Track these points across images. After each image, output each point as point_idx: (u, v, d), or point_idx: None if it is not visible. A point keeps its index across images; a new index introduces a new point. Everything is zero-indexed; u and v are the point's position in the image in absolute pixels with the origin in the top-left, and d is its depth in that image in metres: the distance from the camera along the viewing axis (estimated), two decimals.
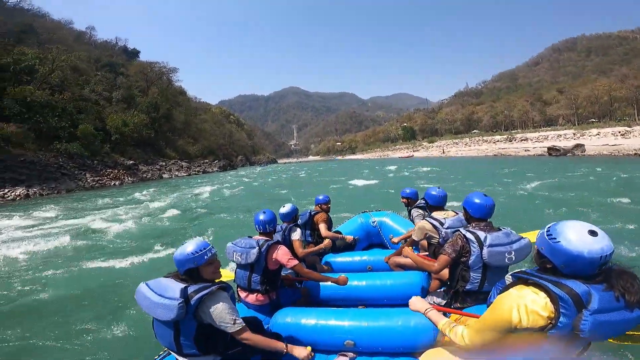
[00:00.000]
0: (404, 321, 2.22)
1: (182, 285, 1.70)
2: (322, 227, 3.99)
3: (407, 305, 2.04)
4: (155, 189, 23.85)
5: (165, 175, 39.89)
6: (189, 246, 1.79)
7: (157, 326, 1.78)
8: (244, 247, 2.61)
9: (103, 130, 41.13)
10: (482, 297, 2.09)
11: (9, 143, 27.34)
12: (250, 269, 2.62)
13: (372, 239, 4.81)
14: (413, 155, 70.85)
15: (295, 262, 2.61)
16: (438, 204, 3.16)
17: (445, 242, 2.27)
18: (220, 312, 1.71)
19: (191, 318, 1.69)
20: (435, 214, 2.97)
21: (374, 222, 4.76)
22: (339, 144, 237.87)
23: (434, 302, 2.39)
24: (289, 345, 1.90)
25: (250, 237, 2.74)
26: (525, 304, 1.23)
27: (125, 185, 30.05)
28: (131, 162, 39.55)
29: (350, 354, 2.31)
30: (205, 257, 1.79)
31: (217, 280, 1.87)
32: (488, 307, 1.41)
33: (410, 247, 2.93)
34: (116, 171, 33.37)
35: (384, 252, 3.94)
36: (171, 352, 1.83)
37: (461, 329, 1.42)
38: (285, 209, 3.56)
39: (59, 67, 37.93)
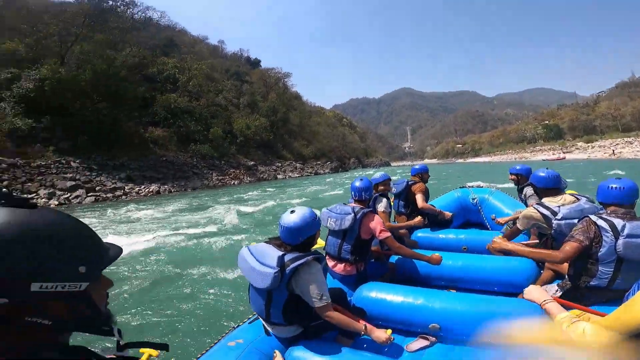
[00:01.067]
0: (502, 310, 1.94)
1: (280, 253, 1.73)
2: (419, 198, 3.65)
3: (508, 294, 2.26)
4: (270, 188, 23.83)
5: (279, 176, 41.01)
6: (304, 212, 1.81)
7: (251, 292, 1.86)
8: (339, 213, 2.56)
9: (230, 133, 45.18)
10: (611, 295, 1.82)
11: (157, 145, 31.77)
12: (343, 236, 2.57)
13: (470, 217, 4.46)
14: (565, 157, 55.92)
15: (388, 233, 2.52)
16: (548, 185, 2.55)
17: (558, 235, 2.10)
18: (311, 285, 1.71)
19: (284, 288, 1.72)
20: (546, 200, 2.46)
21: (474, 198, 4.39)
22: (460, 145, 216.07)
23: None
24: (368, 326, 1.84)
25: (345, 204, 2.71)
26: None
27: (243, 184, 31.45)
28: (252, 163, 41.97)
29: (432, 338, 2.16)
30: (319, 224, 1.85)
31: (312, 249, 1.86)
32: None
33: (510, 238, 2.53)
34: (237, 171, 35.49)
35: (483, 233, 3.71)
36: (260, 318, 1.91)
37: (584, 325, 1.19)
38: (376, 176, 3.40)
39: (194, 76, 43.10)
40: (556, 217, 2.30)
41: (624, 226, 1.77)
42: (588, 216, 1.94)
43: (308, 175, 47.63)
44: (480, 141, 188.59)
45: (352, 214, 2.52)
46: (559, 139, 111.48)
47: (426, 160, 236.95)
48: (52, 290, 0.57)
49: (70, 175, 19.86)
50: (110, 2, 36.18)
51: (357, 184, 2.77)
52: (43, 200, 16.22)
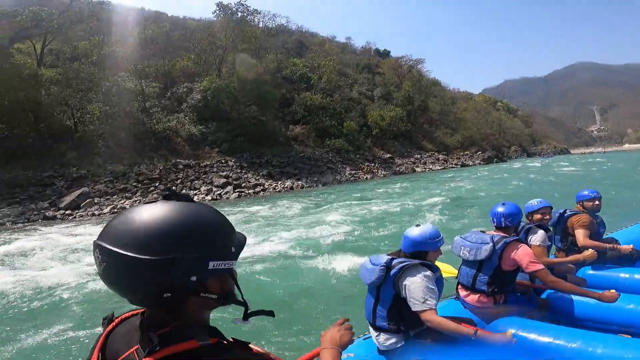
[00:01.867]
0: None
1: (390, 257, 1.88)
2: (581, 234, 2.91)
3: None
4: (399, 185, 20.89)
5: (418, 169, 36.62)
6: (427, 230, 1.90)
7: (367, 297, 1.99)
8: (474, 242, 2.37)
9: (365, 126, 44.04)
10: None
11: (297, 142, 33.50)
12: (479, 266, 2.36)
13: None
14: None
15: (540, 266, 2.20)
16: None
17: None
18: (415, 286, 1.71)
19: (391, 286, 1.81)
20: None
21: None
22: None
23: None
24: (480, 331, 1.72)
25: (483, 231, 2.50)
26: None
27: (376, 179, 29.11)
28: (388, 155, 39.51)
29: None
30: (439, 244, 1.90)
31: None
32: None
33: None
34: (371, 165, 33.66)
35: None
36: (369, 325, 1.97)
37: None
38: (533, 203, 2.90)
39: (324, 73, 43.70)
40: None
41: None
42: None
43: (453, 167, 41.14)
44: None
45: (491, 244, 2.28)
46: None
47: (626, 146, 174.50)
48: (220, 267, 0.68)
49: (225, 173, 22.56)
50: (239, 14, 39.88)
51: (500, 209, 2.44)
52: (202, 195, 18.68)
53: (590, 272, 2.96)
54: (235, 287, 0.75)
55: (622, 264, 3.00)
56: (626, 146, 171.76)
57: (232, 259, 0.71)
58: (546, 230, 2.76)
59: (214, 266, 0.67)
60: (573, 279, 2.82)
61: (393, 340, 1.85)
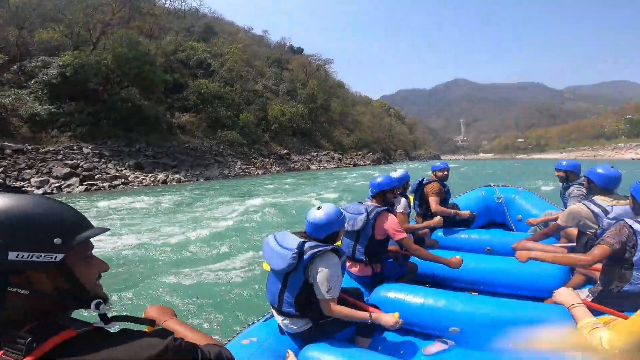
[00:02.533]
0: (529, 316, 1.88)
1: (301, 240, 1.77)
2: (432, 201, 3.55)
3: (535, 298, 2.25)
4: (291, 180, 20.93)
5: (312, 167, 37.62)
6: (331, 210, 1.84)
7: (269, 280, 1.90)
8: (352, 213, 2.51)
9: (265, 120, 42.90)
10: None
11: (183, 131, 30.21)
12: (356, 237, 2.53)
13: (494, 217, 4.32)
14: None
15: (404, 234, 2.48)
16: (607, 186, 2.41)
17: (603, 234, 1.93)
18: (324, 275, 1.71)
19: (301, 272, 1.73)
20: (598, 198, 2.36)
21: (499, 198, 4.26)
22: (521, 140, 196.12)
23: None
24: (373, 313, 1.83)
25: (361, 202, 2.68)
26: None
27: (269, 174, 28.68)
28: (285, 151, 39.26)
29: (450, 342, 2.07)
30: (344, 221, 1.89)
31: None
32: None
33: (539, 239, 2.65)
34: (266, 160, 32.85)
35: (508, 234, 3.55)
36: (273, 309, 1.90)
37: (602, 332, 1.15)
38: (397, 174, 3.30)
39: (227, 61, 40.96)
40: (608, 215, 2.22)
41: None
42: (624, 220, 1.87)
43: (346, 166, 43.70)
44: (547, 136, 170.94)
45: (365, 214, 2.47)
46: None
47: (481, 155, 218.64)
48: (28, 259, 0.61)
49: (74, 162, 18.44)
50: None
51: (378, 180, 2.70)
52: (32, 188, 14.69)
53: (440, 234, 3.62)
54: (79, 286, 0.68)
55: (462, 225, 3.70)
56: (481, 155, 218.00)
57: (54, 251, 0.64)
58: (407, 198, 3.28)
59: (18, 257, 0.60)
60: (429, 240, 3.46)
61: (301, 323, 1.83)
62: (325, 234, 1.83)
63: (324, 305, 1.75)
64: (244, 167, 28.09)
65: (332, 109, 63.60)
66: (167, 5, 52.32)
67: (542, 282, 2.46)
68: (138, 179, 18.95)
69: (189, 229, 7.38)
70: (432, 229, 3.61)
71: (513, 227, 4.08)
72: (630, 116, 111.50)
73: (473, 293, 2.60)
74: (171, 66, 36.65)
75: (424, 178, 3.83)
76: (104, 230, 0.72)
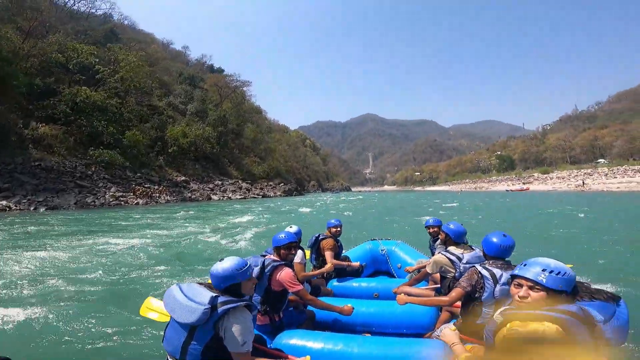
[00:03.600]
0: (414, 351, 2.16)
1: (214, 294, 1.72)
2: (328, 255, 3.92)
3: (416, 335, 2.72)
4: (178, 214, 17.11)
5: (214, 197, 33.53)
6: (232, 262, 1.82)
7: (170, 329, 1.80)
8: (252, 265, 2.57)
9: (161, 141, 37.63)
10: None
11: (40, 145, 23.66)
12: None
13: (380, 267, 4.80)
14: (528, 189, 54.43)
15: (299, 287, 2.60)
16: (459, 239, 3.05)
17: (461, 277, 2.34)
18: (237, 330, 1.70)
19: (211, 327, 1.69)
20: (451, 248, 2.91)
21: (382, 250, 4.78)
22: (418, 173, 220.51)
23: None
24: (289, 358, 1.94)
25: (264, 255, 2.80)
26: (542, 337, 1.22)
27: (152, 205, 23.87)
28: (182, 178, 34.48)
29: None
30: (248, 273, 1.87)
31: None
32: (487, 347, 1.47)
33: (413, 284, 3.32)
34: (155, 187, 27.78)
35: (391, 281, 4.02)
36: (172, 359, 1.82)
37: None
38: (292, 229, 3.45)
39: (123, 69, 35.40)
40: (462, 261, 2.68)
41: (501, 275, 2.07)
42: (474, 266, 2.26)
43: (255, 197, 40.64)
44: (437, 170, 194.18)
45: (260, 266, 2.58)
46: (511, 170, 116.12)
47: (385, 187, 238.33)
48: None
49: None
50: None
51: (280, 236, 2.81)
52: None
53: (336, 283, 4.01)
54: None
55: (353, 275, 4.16)
56: (385, 187, 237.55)
57: None
58: (303, 250, 3.57)
59: None
60: (324, 289, 3.74)
61: None
62: (224, 285, 1.80)
63: (240, 359, 1.73)
64: (119, 194, 22.95)
65: (245, 134, 60.63)
66: (60, 3, 44.51)
67: (420, 319, 2.92)
68: None
69: None
70: (327, 278, 4.03)
71: (395, 275, 4.52)
72: (499, 152, 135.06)
73: (366, 335, 2.85)
74: (43, 67, 29.52)
75: (319, 234, 4.12)
76: None
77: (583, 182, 46.06)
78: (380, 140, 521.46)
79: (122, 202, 21.95)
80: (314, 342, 2.31)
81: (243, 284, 1.85)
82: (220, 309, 1.66)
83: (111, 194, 22.06)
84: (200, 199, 31.20)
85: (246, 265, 1.85)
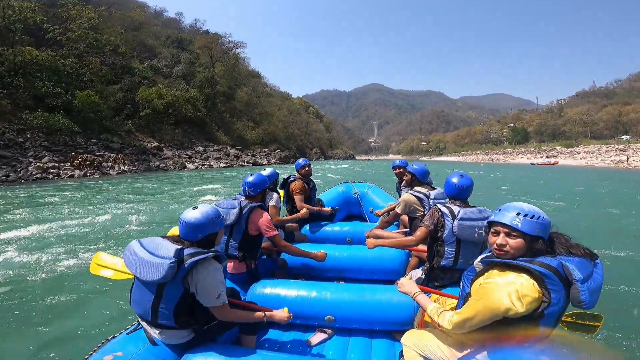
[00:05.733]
0: (385, 298, 2.19)
1: (178, 247, 1.56)
2: (297, 199, 3.77)
3: (387, 281, 2.74)
4: (113, 188, 12.64)
5: (190, 166, 28.40)
6: (207, 210, 1.68)
7: (136, 290, 1.65)
8: (225, 208, 2.46)
9: (131, 104, 32.07)
10: (457, 276, 2.12)
11: None
12: (229, 232, 2.47)
13: (352, 210, 4.78)
14: (557, 162, 48.59)
15: (275, 232, 2.51)
16: (423, 178, 3.13)
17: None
18: (209, 283, 1.58)
19: (179, 283, 1.56)
20: (417, 188, 2.98)
21: (355, 192, 4.74)
22: (424, 143, 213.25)
23: (412, 278, 2.35)
24: (267, 312, 1.84)
25: (235, 198, 2.71)
26: (516, 289, 1.20)
27: (96, 177, 18.77)
28: (154, 144, 29.28)
29: (329, 331, 2.29)
30: (224, 221, 1.77)
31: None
32: (464, 297, 1.44)
33: (383, 227, 3.23)
34: (110, 156, 22.56)
35: (364, 225, 3.98)
36: (143, 322, 1.69)
37: (449, 315, 1.42)
38: (266, 172, 3.39)
39: (83, 27, 29.29)
40: (429, 198, 2.82)
41: (459, 211, 2.11)
42: (436, 205, 2.26)
43: (243, 165, 35.57)
44: (444, 140, 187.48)
45: (238, 208, 2.45)
46: (525, 142, 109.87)
47: (390, 156, 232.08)
48: None
49: None
50: None
51: (250, 179, 2.69)
52: None
53: (308, 228, 3.88)
54: None
55: (326, 219, 4.01)
56: (390, 156, 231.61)
57: None
58: (278, 193, 3.39)
59: None
60: (298, 235, 3.65)
61: (181, 334, 1.66)
62: (201, 235, 1.65)
63: (219, 312, 1.65)
64: (51, 165, 17.83)
65: (238, 97, 54.39)
66: None
67: (392, 265, 2.92)
68: None
69: None
70: (300, 222, 3.78)
71: (367, 219, 4.53)
72: (511, 124, 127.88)
73: (340, 282, 2.87)
74: None
75: (290, 176, 3.96)
76: None
77: (628, 158, 39.96)
78: (385, 110, 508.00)
79: (52, 176, 17.01)
80: (288, 290, 2.31)
81: (219, 233, 1.74)
82: (187, 262, 1.51)
83: (38, 165, 16.97)
84: (172, 168, 26.24)
85: (220, 214, 1.73)
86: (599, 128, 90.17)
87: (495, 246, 1.34)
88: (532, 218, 1.28)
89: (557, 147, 75.26)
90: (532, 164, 49.61)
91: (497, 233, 1.35)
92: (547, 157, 58.51)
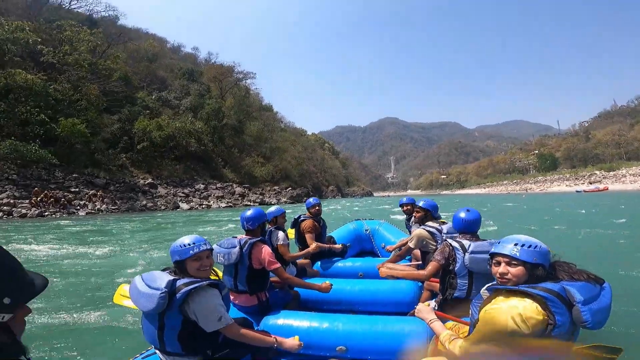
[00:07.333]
0: (397, 329, 2.23)
1: (172, 278, 1.65)
2: (308, 238, 3.88)
3: (399, 313, 2.70)
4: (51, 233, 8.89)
5: (184, 206, 24.85)
6: (184, 239, 1.76)
7: (144, 320, 1.74)
8: (226, 248, 2.56)
9: (128, 136, 29.93)
10: None
11: None
12: (235, 269, 2.56)
13: (364, 247, 4.85)
14: (607, 188, 42.85)
15: (277, 265, 2.54)
16: (436, 213, 3.29)
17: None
18: (206, 308, 1.64)
19: (177, 312, 1.63)
20: (429, 223, 3.06)
21: (366, 229, 4.85)
22: (444, 177, 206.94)
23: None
24: (278, 338, 1.91)
25: (235, 236, 2.72)
26: (519, 313, 1.25)
27: (46, 219, 15.10)
28: (148, 181, 26.35)
29: None
30: (191, 251, 1.73)
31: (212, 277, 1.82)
32: (473, 324, 1.48)
33: (396, 260, 3.40)
34: (88, 192, 19.46)
35: (375, 260, 3.99)
36: (155, 350, 1.78)
37: (460, 341, 1.50)
38: (272, 209, 3.51)
39: (81, 51, 28.15)
40: (442, 233, 2.87)
41: (469, 245, 2.19)
42: (446, 240, 2.36)
43: (248, 204, 31.88)
44: (465, 172, 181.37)
45: (238, 247, 2.53)
46: (553, 169, 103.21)
47: (409, 192, 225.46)
48: None
49: None
50: None
51: (247, 213, 2.76)
52: None
53: (320, 264, 3.97)
54: (14, 339, 0.63)
55: (338, 256, 4.10)
56: (409, 192, 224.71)
57: (3, 311, 0.58)
58: (284, 231, 3.47)
59: None
60: (310, 270, 3.78)
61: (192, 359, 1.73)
62: (172, 261, 1.76)
63: (228, 332, 1.71)
64: (5, 202, 14.72)
65: (248, 132, 52.25)
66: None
67: (403, 297, 2.91)
68: None
69: None
70: (312, 258, 3.89)
71: (379, 254, 4.61)
72: (536, 151, 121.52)
73: (352, 314, 2.79)
74: None
75: (300, 215, 4.08)
76: (46, 284, 0.65)
77: None
78: (402, 144, 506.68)
79: (0, 214, 13.76)
80: (300, 321, 2.37)
81: (187, 262, 1.73)
82: (181, 292, 1.58)
83: None
84: (163, 208, 22.87)
85: (194, 243, 1.74)
86: (634, 148, 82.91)
87: (498, 275, 1.43)
88: (529, 247, 1.37)
89: (597, 172, 68.61)
90: (577, 191, 43.86)
91: (499, 263, 1.44)
92: (590, 183, 52.42)
